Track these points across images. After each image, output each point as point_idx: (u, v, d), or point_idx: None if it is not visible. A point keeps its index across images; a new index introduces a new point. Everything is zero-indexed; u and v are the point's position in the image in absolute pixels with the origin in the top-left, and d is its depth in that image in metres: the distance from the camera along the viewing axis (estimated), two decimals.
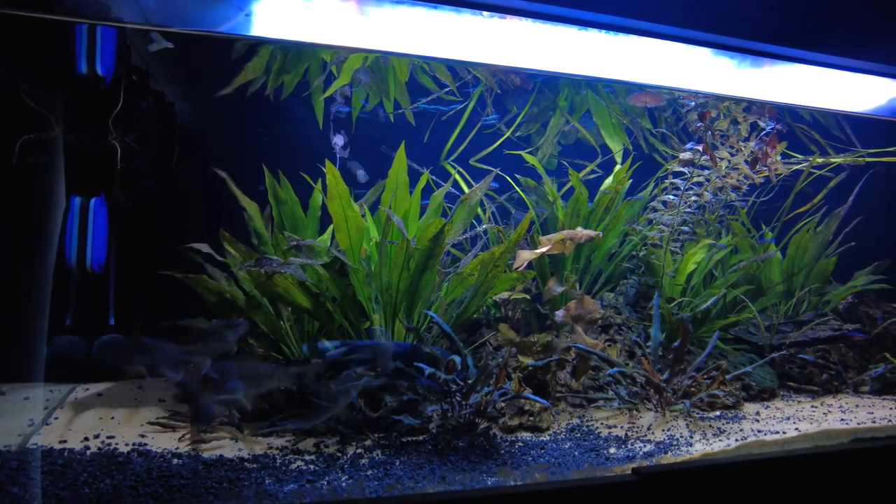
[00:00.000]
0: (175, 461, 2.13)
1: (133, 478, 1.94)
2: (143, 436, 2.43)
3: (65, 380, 3.23)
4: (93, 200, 3.09)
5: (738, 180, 3.75)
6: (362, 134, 3.99)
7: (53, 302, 2.45)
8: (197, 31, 2.26)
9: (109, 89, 2.91)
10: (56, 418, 2.64)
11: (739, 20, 2.68)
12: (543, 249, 3.08)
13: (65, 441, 2.32)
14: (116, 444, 2.30)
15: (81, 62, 2.76)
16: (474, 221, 3.64)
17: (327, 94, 3.68)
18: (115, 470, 2.00)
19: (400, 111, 3.93)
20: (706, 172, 3.69)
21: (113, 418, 2.67)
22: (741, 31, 2.68)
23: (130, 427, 2.54)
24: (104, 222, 3.14)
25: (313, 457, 2.23)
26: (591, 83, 4.03)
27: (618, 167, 3.95)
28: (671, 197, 3.71)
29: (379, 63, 3.66)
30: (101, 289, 3.36)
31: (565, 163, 4.09)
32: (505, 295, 3.30)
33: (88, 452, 2.19)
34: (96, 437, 2.37)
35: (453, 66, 3.83)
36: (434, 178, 3.71)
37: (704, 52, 2.72)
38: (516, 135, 4.21)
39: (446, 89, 3.92)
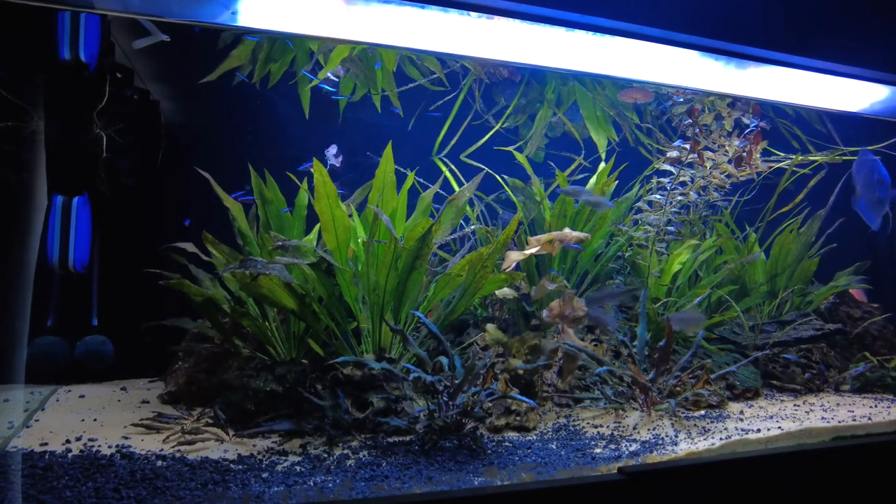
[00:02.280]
0: (159, 463, 2.10)
1: (116, 480, 1.91)
2: (126, 437, 2.40)
3: (46, 381, 3.19)
4: (75, 199, 3.05)
5: (720, 179, 3.78)
6: (350, 131, 3.97)
7: (35, 302, 2.41)
8: (182, 21, 2.24)
9: (93, 81, 2.86)
10: (37, 420, 2.60)
11: (725, 24, 2.71)
12: (532, 251, 3.09)
13: (46, 444, 2.28)
14: (99, 446, 2.27)
15: (64, 48, 2.70)
16: (462, 222, 3.64)
17: (314, 83, 3.65)
18: (98, 473, 1.97)
19: (393, 110, 3.90)
20: (691, 172, 3.73)
21: (95, 420, 2.64)
22: (727, 34, 2.71)
23: (113, 429, 2.51)
24: (87, 221, 3.10)
25: (299, 458, 2.22)
26: (579, 76, 4.03)
27: (602, 165, 3.96)
28: (657, 197, 3.74)
29: (366, 53, 3.64)
30: (84, 289, 3.31)
31: (551, 164, 4.11)
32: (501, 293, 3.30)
33: (70, 455, 2.16)
34: (78, 439, 2.34)
35: (441, 58, 3.81)
36: (420, 179, 3.70)
37: (691, 53, 2.75)
38: (504, 126, 4.20)
39: (434, 76, 3.89)
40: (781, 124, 4.25)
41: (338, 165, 3.67)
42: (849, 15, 2.96)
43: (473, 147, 4.07)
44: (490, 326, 3.15)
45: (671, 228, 3.79)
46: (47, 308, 3.19)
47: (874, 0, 3.00)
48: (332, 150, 3.71)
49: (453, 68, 3.96)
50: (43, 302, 3.17)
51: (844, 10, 2.94)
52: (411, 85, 3.89)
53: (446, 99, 4.04)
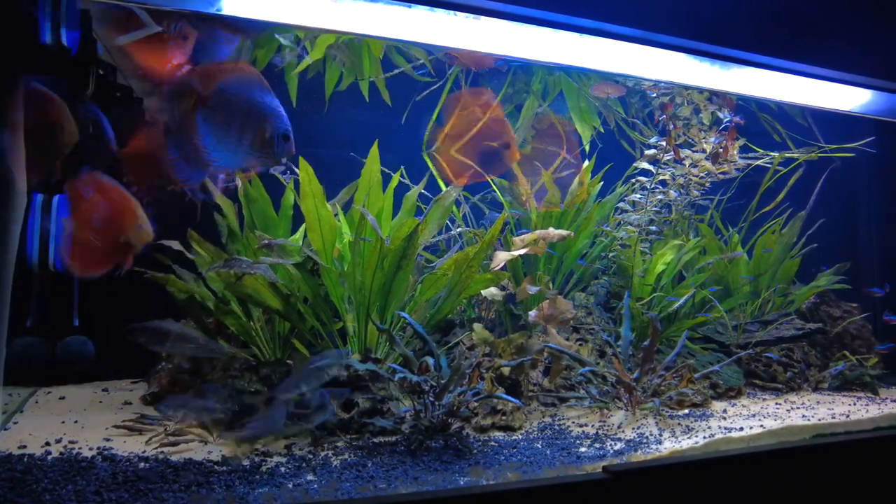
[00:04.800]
0: (142, 465, 2.08)
1: (97, 483, 1.88)
2: (108, 440, 2.36)
3: (25, 383, 3.13)
4: (56, 197, 2.99)
5: (700, 176, 3.81)
6: (336, 126, 3.93)
7: (13, 302, 2.36)
8: (166, 9, 2.22)
9: (75, 67, 2.77)
10: (16, 423, 2.56)
11: (708, 26, 2.74)
12: (521, 252, 3.09)
13: (24, 446, 2.24)
14: (80, 448, 2.24)
15: (45, 31, 2.61)
16: (448, 223, 3.63)
17: (300, 69, 3.61)
18: (78, 475, 1.94)
19: (373, 85, 3.83)
20: (670, 171, 3.75)
21: (76, 422, 2.60)
22: (709, 37, 2.74)
23: (95, 431, 2.47)
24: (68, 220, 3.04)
25: (284, 459, 2.20)
26: (565, 68, 4.01)
27: (586, 163, 3.97)
28: (638, 196, 3.77)
29: (353, 41, 3.60)
30: (65, 288, 3.25)
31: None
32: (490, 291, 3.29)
33: (50, 458, 2.12)
34: (58, 441, 2.30)
35: (429, 49, 3.78)
36: (404, 179, 3.68)
37: (678, 55, 2.78)
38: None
39: (423, 69, 3.86)
40: (763, 119, 4.28)
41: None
42: (832, 19, 3.01)
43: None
44: (477, 326, 3.15)
45: (653, 228, 3.82)
46: (27, 308, 3.13)
47: (860, 6, 3.04)
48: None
49: (439, 57, 3.92)
50: (22, 302, 3.11)
51: (827, 14, 2.99)
52: (396, 72, 3.84)
53: (433, 89, 4.00)
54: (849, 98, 3.30)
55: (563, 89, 4.08)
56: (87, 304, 3.31)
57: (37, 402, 2.90)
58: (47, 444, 2.28)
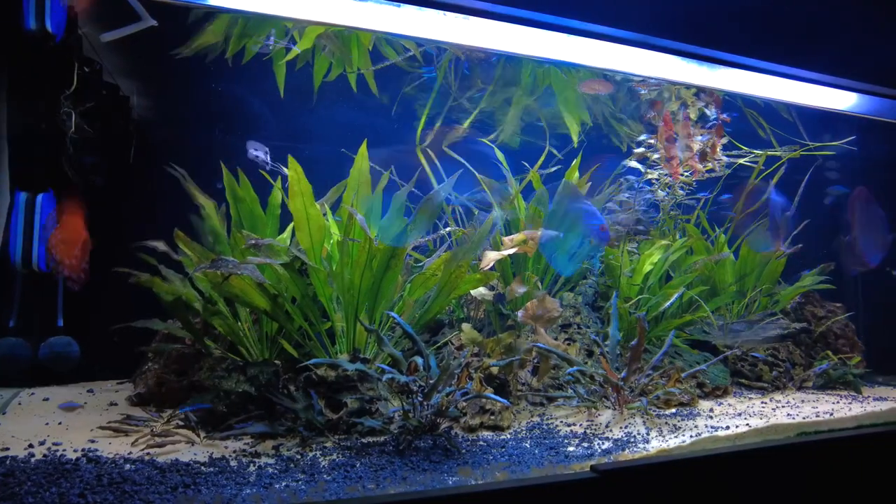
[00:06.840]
0: (127, 466, 2.06)
1: (81, 485, 1.86)
2: (93, 441, 2.34)
3: (8, 384, 3.09)
4: (40, 196, 2.96)
5: (685, 174, 3.84)
6: (326, 129, 3.92)
7: None
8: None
9: (60, 55, 2.70)
10: None
11: (700, 28, 2.76)
12: (510, 251, 3.10)
13: (7, 449, 2.21)
14: (64, 450, 2.21)
15: (29, 16, 2.55)
16: (437, 222, 3.62)
17: (288, 57, 3.57)
18: (62, 477, 1.92)
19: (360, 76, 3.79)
20: (658, 171, 3.78)
21: (60, 423, 2.57)
22: (698, 38, 2.76)
23: (79, 432, 2.44)
24: (52, 219, 3.01)
25: (272, 460, 2.19)
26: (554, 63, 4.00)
27: (576, 161, 3.97)
28: (625, 196, 3.78)
29: (342, 32, 3.57)
30: (49, 289, 3.22)
31: (526, 164, 4.11)
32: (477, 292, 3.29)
33: (33, 460, 2.10)
34: (42, 443, 2.27)
35: (420, 42, 3.75)
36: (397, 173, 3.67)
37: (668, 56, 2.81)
38: (481, 108, 4.16)
39: (415, 63, 3.83)
40: (749, 115, 4.29)
41: (268, 162, 3.51)
42: (820, 24, 3.05)
43: (455, 137, 4.02)
44: (465, 326, 3.15)
45: (641, 227, 3.84)
46: (10, 308, 3.09)
47: (847, 12, 3.08)
48: (259, 153, 3.57)
49: (429, 48, 3.90)
50: (5, 302, 3.07)
51: (816, 20, 3.02)
52: (386, 63, 3.81)
53: (422, 80, 3.98)
54: (836, 99, 3.34)
55: (552, 81, 4.07)
56: (72, 304, 3.27)
57: (20, 404, 2.86)
58: (31, 445, 2.25)
